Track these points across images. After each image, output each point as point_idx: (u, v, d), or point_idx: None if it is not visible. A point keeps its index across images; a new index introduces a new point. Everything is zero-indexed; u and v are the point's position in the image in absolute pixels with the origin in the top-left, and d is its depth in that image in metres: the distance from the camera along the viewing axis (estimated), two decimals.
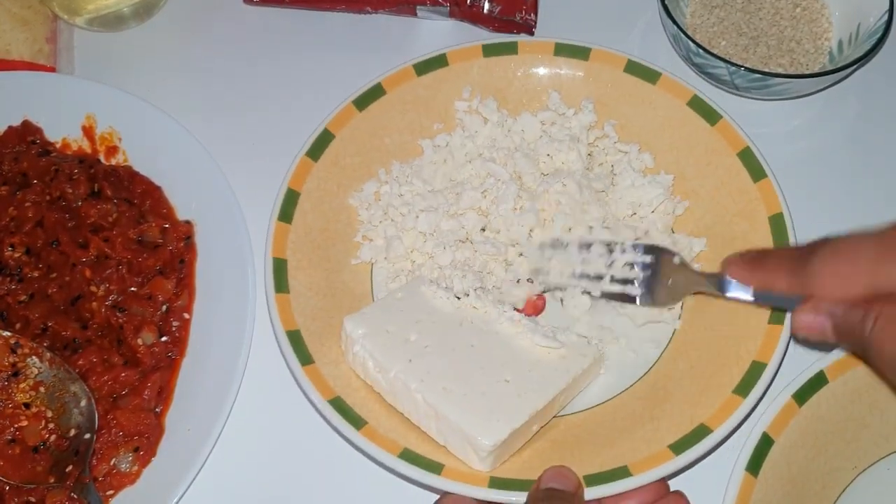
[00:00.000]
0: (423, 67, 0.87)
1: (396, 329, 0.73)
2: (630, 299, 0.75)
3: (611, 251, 0.76)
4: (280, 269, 0.77)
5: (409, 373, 0.70)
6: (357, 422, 0.70)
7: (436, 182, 0.85)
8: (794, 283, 0.63)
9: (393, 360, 0.71)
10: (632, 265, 0.75)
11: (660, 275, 0.74)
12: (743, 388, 0.70)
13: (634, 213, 0.82)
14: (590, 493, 0.66)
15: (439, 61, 0.88)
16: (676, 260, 0.73)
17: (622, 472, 0.67)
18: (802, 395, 0.70)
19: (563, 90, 0.88)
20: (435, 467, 0.68)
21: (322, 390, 0.71)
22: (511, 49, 0.88)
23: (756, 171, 0.80)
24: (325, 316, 0.77)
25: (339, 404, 0.71)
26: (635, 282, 0.75)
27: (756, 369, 0.71)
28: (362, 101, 0.85)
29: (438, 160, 0.86)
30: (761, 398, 0.71)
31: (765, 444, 0.69)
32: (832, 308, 0.60)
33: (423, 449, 0.69)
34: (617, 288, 0.75)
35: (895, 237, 0.57)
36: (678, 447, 0.68)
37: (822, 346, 0.71)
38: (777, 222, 0.78)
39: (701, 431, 0.69)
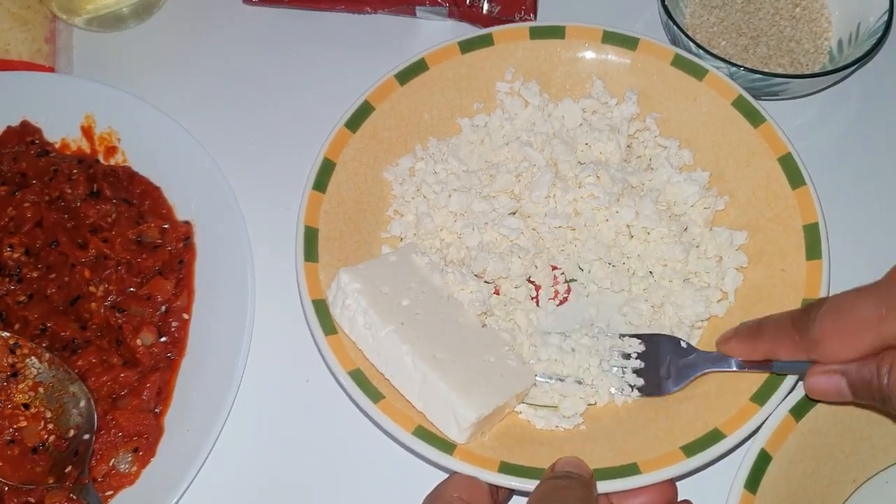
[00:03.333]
0: (468, 45, 0.87)
1: (390, 291, 0.73)
2: (629, 389, 0.75)
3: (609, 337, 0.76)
4: (311, 238, 0.77)
5: (401, 334, 0.71)
6: (375, 395, 0.70)
7: (471, 162, 0.85)
8: (797, 350, 0.63)
9: (386, 320, 0.71)
10: (628, 355, 0.75)
11: (660, 362, 0.74)
12: (760, 397, 0.70)
13: (668, 209, 0.82)
14: (599, 487, 0.67)
15: (485, 40, 0.87)
16: (683, 344, 0.73)
17: (632, 469, 0.67)
18: (799, 410, 0.70)
19: (608, 79, 0.88)
20: (448, 447, 0.68)
21: (343, 361, 0.71)
22: (558, 33, 0.88)
23: (795, 178, 0.80)
24: None
25: (358, 376, 0.71)
26: (629, 370, 0.75)
27: (776, 379, 0.70)
28: (404, 76, 0.85)
29: (475, 140, 0.86)
30: (776, 408, 0.70)
31: (762, 460, 0.68)
32: (844, 367, 0.60)
33: (436, 428, 0.70)
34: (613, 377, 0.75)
35: (893, 288, 0.57)
36: (690, 449, 0.68)
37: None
38: (811, 232, 0.77)
39: (715, 436, 0.69)
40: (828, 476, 0.71)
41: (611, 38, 0.87)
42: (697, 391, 0.73)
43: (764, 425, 0.69)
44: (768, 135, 0.82)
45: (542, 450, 0.69)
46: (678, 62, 0.86)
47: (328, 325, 0.73)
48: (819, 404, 0.71)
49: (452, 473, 0.69)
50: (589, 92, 0.88)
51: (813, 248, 0.76)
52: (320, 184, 0.79)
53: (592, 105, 0.86)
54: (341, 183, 0.81)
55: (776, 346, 0.65)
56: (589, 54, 0.88)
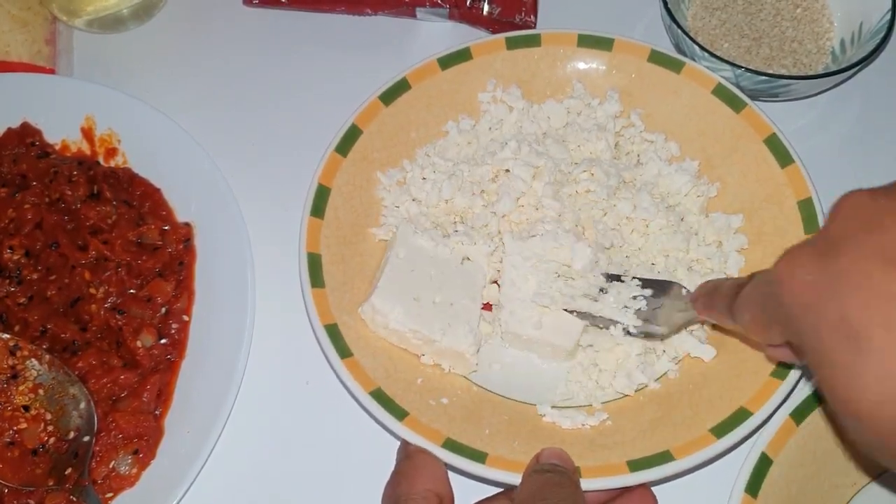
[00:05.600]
0: (447, 61, 0.87)
1: (421, 294, 0.75)
2: (623, 330, 0.75)
3: (619, 280, 0.76)
4: (315, 264, 0.77)
5: (454, 339, 0.74)
6: (399, 413, 0.70)
7: (459, 161, 0.85)
8: (728, 320, 0.62)
9: (434, 330, 0.74)
10: (634, 297, 0.75)
11: (660, 306, 0.74)
12: (781, 372, 0.70)
13: (663, 201, 0.82)
14: (634, 478, 0.67)
15: (463, 55, 0.88)
16: (683, 292, 0.73)
17: (665, 457, 0.68)
18: (800, 414, 0.70)
19: (588, 81, 0.88)
20: (479, 456, 0.69)
21: (363, 382, 0.72)
22: (534, 41, 0.88)
23: (783, 157, 0.80)
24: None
25: (380, 395, 0.71)
26: (631, 312, 0.74)
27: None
28: (388, 96, 0.85)
29: (462, 142, 0.86)
30: (799, 380, 0.71)
31: (763, 464, 0.68)
32: None
33: (466, 438, 0.70)
34: (609, 314, 0.75)
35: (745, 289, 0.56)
36: (719, 430, 0.69)
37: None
38: (806, 207, 0.78)
39: (741, 415, 0.69)
40: (829, 479, 0.71)
41: (586, 41, 0.88)
42: (716, 374, 0.74)
43: (765, 428, 0.69)
44: (751, 118, 0.83)
45: (571, 449, 0.69)
46: (655, 58, 0.87)
47: (343, 349, 0.73)
48: (820, 407, 0.71)
49: (407, 467, 0.69)
50: (570, 95, 0.88)
51: (810, 222, 0.77)
52: (318, 210, 0.79)
53: (576, 105, 0.86)
54: (338, 207, 0.81)
55: (724, 316, 0.63)
56: (566, 59, 0.89)
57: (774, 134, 0.81)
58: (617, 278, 0.76)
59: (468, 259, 0.79)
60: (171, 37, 1.00)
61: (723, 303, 0.61)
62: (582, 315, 0.76)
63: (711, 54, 0.85)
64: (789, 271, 0.49)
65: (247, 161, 0.91)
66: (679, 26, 0.87)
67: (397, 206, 0.83)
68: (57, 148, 0.89)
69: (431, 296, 0.75)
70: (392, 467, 0.71)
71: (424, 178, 0.83)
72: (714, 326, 0.77)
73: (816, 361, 0.48)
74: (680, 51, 0.90)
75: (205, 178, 0.85)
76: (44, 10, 0.95)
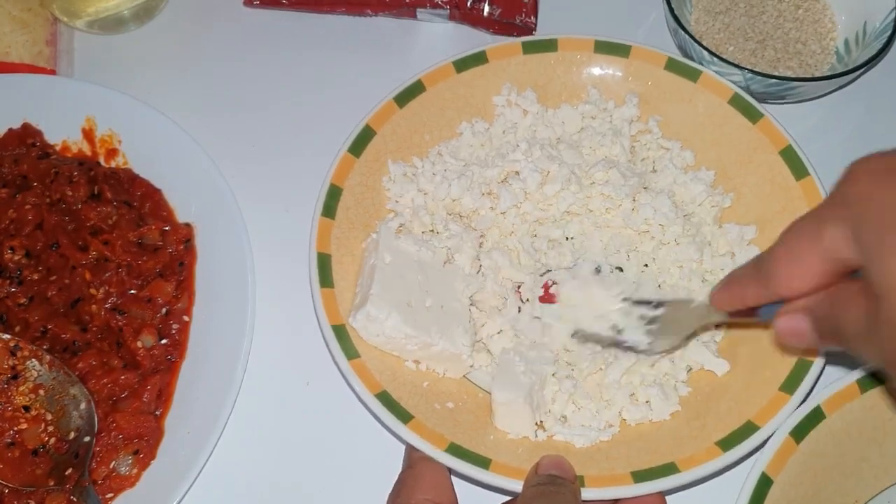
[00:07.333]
0: (463, 64, 0.87)
1: (413, 299, 0.75)
2: (633, 349, 0.74)
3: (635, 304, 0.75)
4: (324, 264, 0.77)
5: (450, 342, 0.73)
6: (404, 416, 0.70)
7: (471, 162, 0.85)
8: (759, 289, 0.58)
9: (431, 334, 0.73)
10: (646, 319, 0.74)
11: (669, 319, 0.72)
12: (789, 386, 0.70)
13: (679, 209, 0.82)
14: (638, 489, 0.67)
15: (478, 58, 0.88)
16: (693, 305, 0.71)
17: (670, 469, 0.67)
18: (800, 432, 0.69)
19: (603, 87, 0.88)
20: (483, 462, 0.68)
21: (369, 385, 0.71)
22: (551, 46, 0.88)
23: (799, 170, 0.80)
24: None
25: (386, 398, 0.71)
26: (642, 331, 0.73)
27: (802, 367, 0.71)
28: (403, 98, 0.85)
29: (476, 144, 0.86)
30: (807, 395, 0.70)
31: (764, 484, 0.67)
32: (808, 305, 0.55)
33: (470, 443, 0.70)
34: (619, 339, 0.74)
35: (826, 206, 0.52)
36: (726, 444, 0.68)
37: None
38: None
39: (748, 428, 0.69)
40: (829, 498, 0.70)
41: (603, 48, 0.88)
42: (724, 387, 0.73)
43: (765, 448, 0.69)
44: (767, 129, 0.82)
45: (575, 458, 0.69)
46: (672, 66, 0.86)
47: (350, 350, 0.73)
48: (820, 425, 0.70)
49: (409, 476, 0.69)
50: (585, 101, 0.88)
51: None
52: (329, 209, 0.79)
53: (591, 111, 0.86)
54: (350, 208, 0.81)
55: (744, 289, 0.60)
56: (583, 65, 0.88)
57: (790, 146, 0.81)
58: (644, 303, 0.75)
59: (449, 262, 0.79)
60: (171, 38, 1.00)
61: (749, 269, 0.60)
62: (591, 337, 0.75)
63: (720, 58, 0.85)
64: (859, 167, 0.54)
65: (247, 162, 0.91)
66: (686, 31, 0.86)
67: (400, 198, 0.82)
68: (57, 149, 0.89)
69: (422, 300, 0.75)
70: (393, 468, 0.71)
71: (434, 174, 0.83)
72: (730, 326, 0.77)
73: (879, 246, 0.48)
74: (684, 54, 0.90)
75: (205, 179, 0.85)
76: (44, 12, 0.95)
